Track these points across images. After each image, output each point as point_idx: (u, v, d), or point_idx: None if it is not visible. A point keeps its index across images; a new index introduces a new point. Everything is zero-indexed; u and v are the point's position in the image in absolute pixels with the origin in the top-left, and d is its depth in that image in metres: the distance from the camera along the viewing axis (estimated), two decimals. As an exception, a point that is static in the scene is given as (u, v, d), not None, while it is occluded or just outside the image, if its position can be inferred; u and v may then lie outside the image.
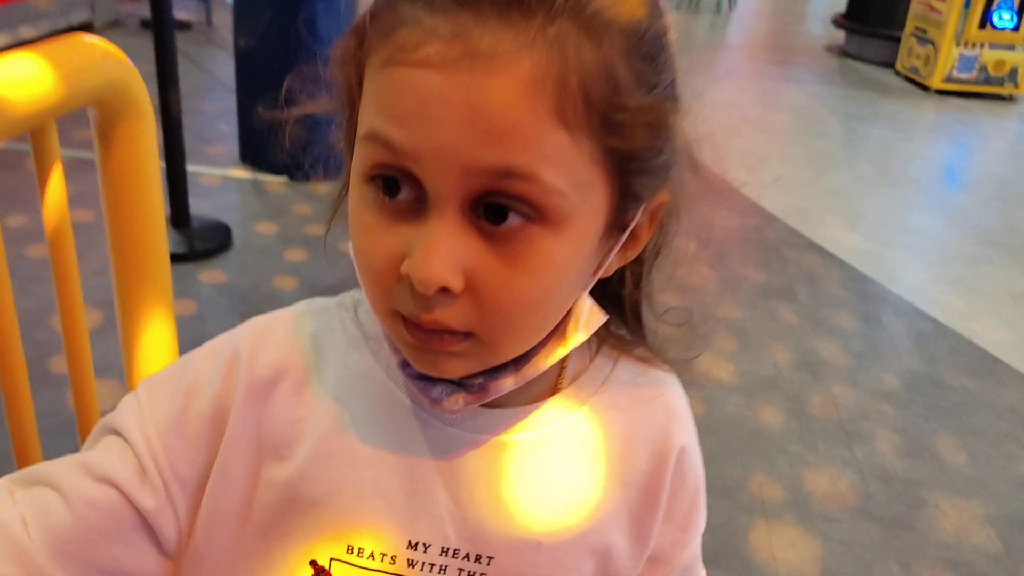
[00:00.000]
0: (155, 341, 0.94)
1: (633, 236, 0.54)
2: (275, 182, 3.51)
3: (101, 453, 0.56)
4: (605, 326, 0.58)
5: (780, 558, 1.94)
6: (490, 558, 0.56)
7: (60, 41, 0.79)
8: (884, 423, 2.46)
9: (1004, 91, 6.17)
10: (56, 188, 0.80)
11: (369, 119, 0.46)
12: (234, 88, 3.80)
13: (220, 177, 3.64)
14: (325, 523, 0.56)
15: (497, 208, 0.45)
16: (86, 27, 5.45)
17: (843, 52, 7.32)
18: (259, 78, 3.42)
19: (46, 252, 0.84)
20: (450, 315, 0.46)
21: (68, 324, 0.90)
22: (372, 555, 0.56)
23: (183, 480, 0.56)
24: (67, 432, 0.95)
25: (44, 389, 1.81)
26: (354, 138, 0.49)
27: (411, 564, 0.56)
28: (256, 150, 3.65)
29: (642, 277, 0.60)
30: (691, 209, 0.56)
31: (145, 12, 3.94)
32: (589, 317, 0.55)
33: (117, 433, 0.57)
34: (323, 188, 0.58)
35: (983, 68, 6.05)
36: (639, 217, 0.53)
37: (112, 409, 0.59)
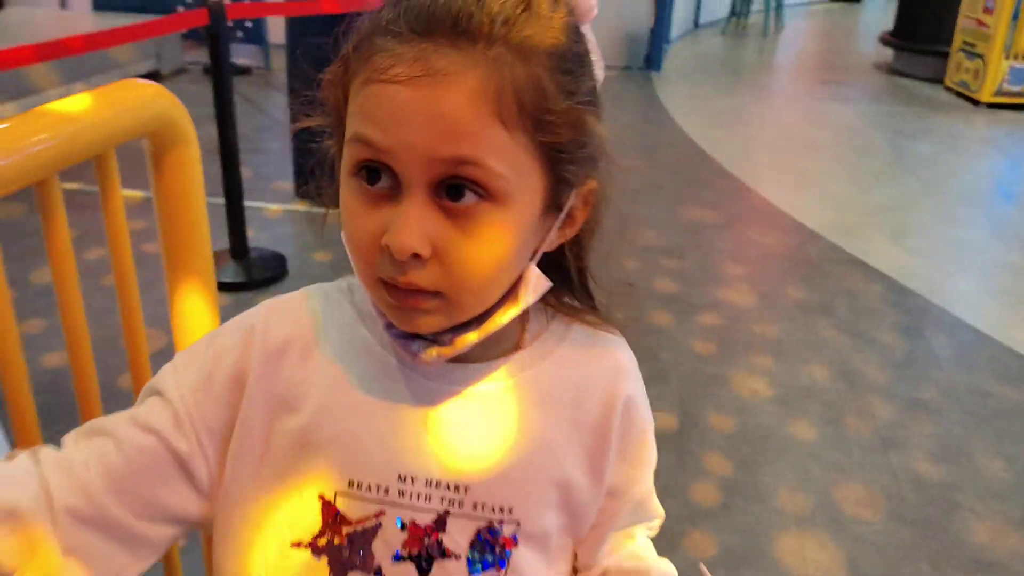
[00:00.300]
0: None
1: (570, 217, 0.66)
2: (329, 214, 3.70)
3: (145, 409, 0.69)
4: (558, 297, 0.70)
5: (811, 559, 1.99)
6: (466, 488, 0.68)
7: (119, 84, 0.94)
8: (920, 430, 2.49)
9: (1058, 102, 6.08)
10: (117, 209, 0.94)
11: (354, 126, 0.59)
12: (289, 127, 4.02)
13: (280, 211, 3.85)
14: (330, 463, 0.68)
15: (456, 188, 0.57)
16: (153, 75, 5.80)
17: (892, 70, 7.29)
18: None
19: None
20: (421, 277, 0.59)
21: (132, 344, 1.04)
22: (369, 488, 0.67)
23: (211, 430, 0.68)
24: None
25: (113, 402, 1.98)
26: (343, 143, 0.62)
27: (401, 494, 0.67)
28: (310, 184, 3.84)
29: (582, 251, 0.71)
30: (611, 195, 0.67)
31: (207, 59, 4.20)
32: (537, 283, 0.67)
33: (158, 393, 0.70)
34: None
35: (1035, 79, 5.99)
36: (572, 200, 0.64)
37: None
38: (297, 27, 3.78)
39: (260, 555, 0.70)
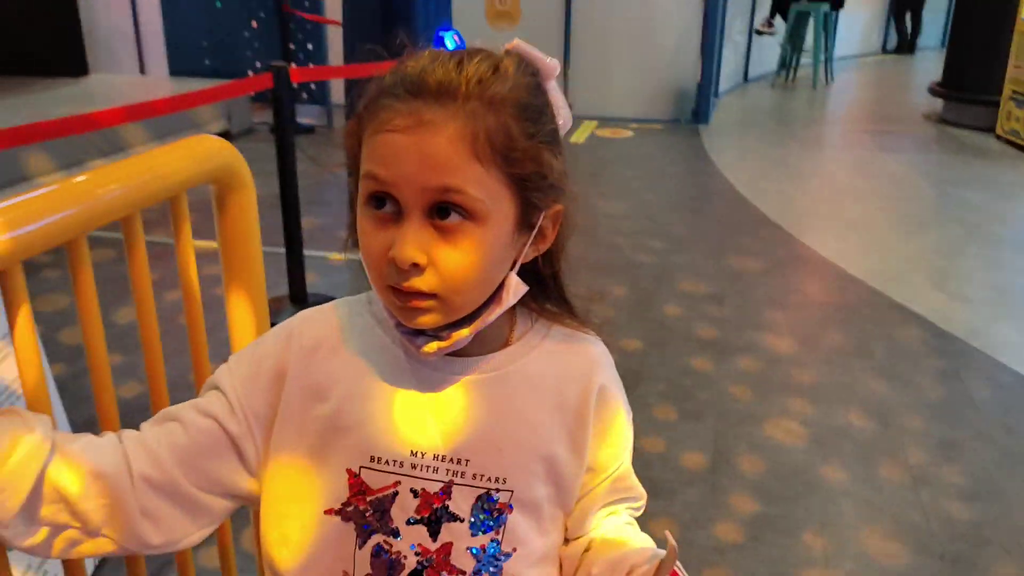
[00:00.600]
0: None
1: (541, 234, 0.81)
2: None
3: (205, 399, 0.85)
4: (540, 303, 0.84)
5: (835, 590, 2.04)
6: (467, 460, 0.82)
7: (190, 139, 1.12)
8: (953, 468, 2.52)
9: (1113, 149, 6.02)
10: (186, 243, 1.12)
11: (366, 166, 0.75)
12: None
13: (342, 258, 4.07)
14: (354, 443, 0.82)
15: (444, 211, 0.73)
16: (224, 135, 6.17)
17: (941, 119, 7.30)
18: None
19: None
20: (420, 282, 0.74)
21: (198, 377, 1.19)
22: (387, 462, 0.82)
23: (258, 416, 0.84)
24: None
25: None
26: (358, 180, 0.78)
27: (413, 467, 0.82)
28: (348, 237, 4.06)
29: (555, 263, 0.86)
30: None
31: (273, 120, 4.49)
32: (517, 288, 0.81)
33: (215, 387, 0.86)
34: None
35: (1088, 127, 5.95)
36: (541, 221, 0.79)
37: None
38: (356, 89, 4.04)
39: (298, 522, 0.85)
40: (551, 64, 0.80)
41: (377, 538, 0.83)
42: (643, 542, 0.88)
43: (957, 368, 3.14)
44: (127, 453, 0.81)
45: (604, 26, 7.49)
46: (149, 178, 1.02)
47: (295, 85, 6.73)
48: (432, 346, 0.79)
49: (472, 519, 0.83)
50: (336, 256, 4.03)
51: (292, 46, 7.28)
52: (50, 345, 2.86)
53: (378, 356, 0.84)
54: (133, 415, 0.88)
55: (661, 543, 0.89)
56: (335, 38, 7.10)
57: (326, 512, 0.83)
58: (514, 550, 0.84)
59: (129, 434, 0.83)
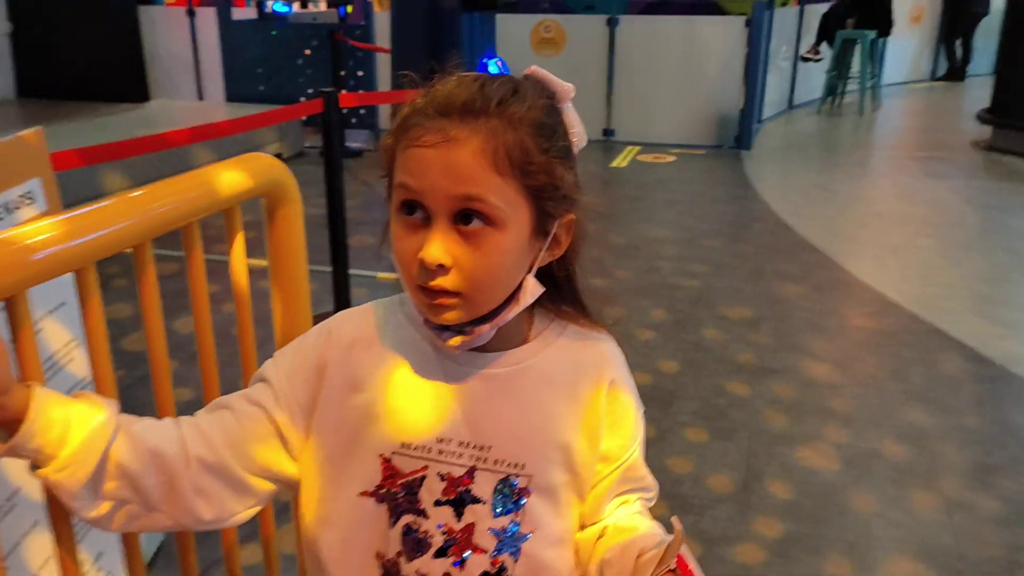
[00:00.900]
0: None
1: (555, 240, 0.88)
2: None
3: (253, 389, 0.95)
4: (556, 305, 0.92)
5: (863, 608, 2.06)
6: (489, 447, 0.90)
7: (243, 156, 1.23)
8: (988, 493, 2.51)
9: None
10: (239, 251, 1.22)
11: (398, 177, 0.84)
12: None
13: (391, 277, 4.19)
14: (387, 430, 0.90)
15: (467, 217, 0.81)
16: (276, 156, 6.36)
17: (989, 146, 7.21)
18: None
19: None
20: (446, 281, 0.82)
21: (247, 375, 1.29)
22: (417, 448, 0.90)
23: (301, 405, 0.93)
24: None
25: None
26: (391, 189, 0.86)
27: (440, 453, 0.90)
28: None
29: (569, 267, 0.93)
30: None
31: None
32: (533, 289, 0.89)
33: (262, 379, 0.95)
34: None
35: None
36: (556, 228, 0.87)
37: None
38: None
39: (335, 504, 0.93)
40: (566, 88, 0.88)
41: (407, 518, 0.90)
42: (652, 529, 0.94)
43: (995, 394, 3.12)
44: (183, 436, 0.90)
45: (647, 52, 7.59)
46: (206, 191, 1.12)
47: (344, 110, 6.94)
48: (456, 340, 0.87)
49: (493, 501, 0.90)
50: (384, 275, 4.15)
51: (343, 73, 7.52)
52: (113, 351, 3.01)
53: (409, 351, 0.93)
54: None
55: (670, 529, 0.96)
56: (384, 65, 7.30)
57: (361, 494, 0.91)
58: (532, 532, 0.92)
59: (185, 419, 0.93)
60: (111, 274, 3.97)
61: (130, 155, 2.83)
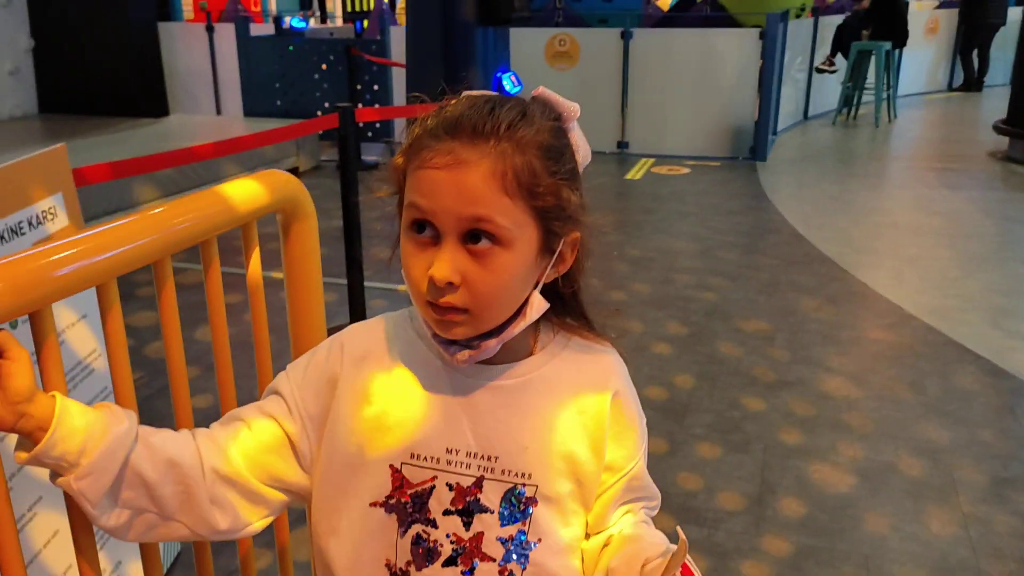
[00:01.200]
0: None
1: (561, 258, 0.90)
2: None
3: (266, 402, 0.97)
4: (561, 318, 0.94)
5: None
6: (496, 457, 0.91)
7: (260, 173, 1.25)
8: (1006, 506, 2.50)
9: None
10: (255, 266, 1.24)
11: (409, 196, 0.86)
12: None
13: (405, 290, 4.23)
14: (397, 441, 0.92)
15: (476, 237, 0.83)
16: (293, 171, 6.43)
17: (1007, 157, 7.18)
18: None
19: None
20: (455, 298, 0.84)
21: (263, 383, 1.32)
22: (426, 458, 0.91)
23: (312, 417, 0.95)
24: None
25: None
26: (401, 209, 0.88)
27: (449, 463, 0.91)
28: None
29: (574, 283, 0.95)
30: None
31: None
32: (539, 305, 0.90)
33: (275, 392, 0.97)
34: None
35: None
36: (561, 246, 0.89)
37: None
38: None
39: (346, 514, 0.95)
40: (572, 108, 0.90)
41: (416, 528, 0.92)
42: (657, 538, 0.95)
43: (1013, 405, 3.10)
44: (199, 447, 0.92)
45: (662, 65, 7.61)
46: (223, 208, 1.15)
47: (360, 124, 7.00)
48: (464, 354, 0.89)
49: (501, 510, 0.92)
50: (404, 288, 4.18)
51: (359, 87, 7.59)
52: (138, 358, 3.10)
53: (418, 364, 0.94)
54: (204, 423, 0.99)
55: (674, 539, 0.97)
56: (399, 79, 7.36)
57: (371, 505, 0.93)
58: (539, 540, 0.93)
59: (201, 431, 0.95)
60: (138, 282, 4.05)
61: (158, 168, 3.00)
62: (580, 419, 0.94)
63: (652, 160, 7.55)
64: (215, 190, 1.17)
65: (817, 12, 9.60)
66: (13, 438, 0.83)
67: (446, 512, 0.92)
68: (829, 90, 9.55)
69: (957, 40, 11.73)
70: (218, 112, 8.37)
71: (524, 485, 0.92)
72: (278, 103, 7.92)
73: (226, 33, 8.14)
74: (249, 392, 1.09)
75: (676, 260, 4.77)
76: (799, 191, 6.54)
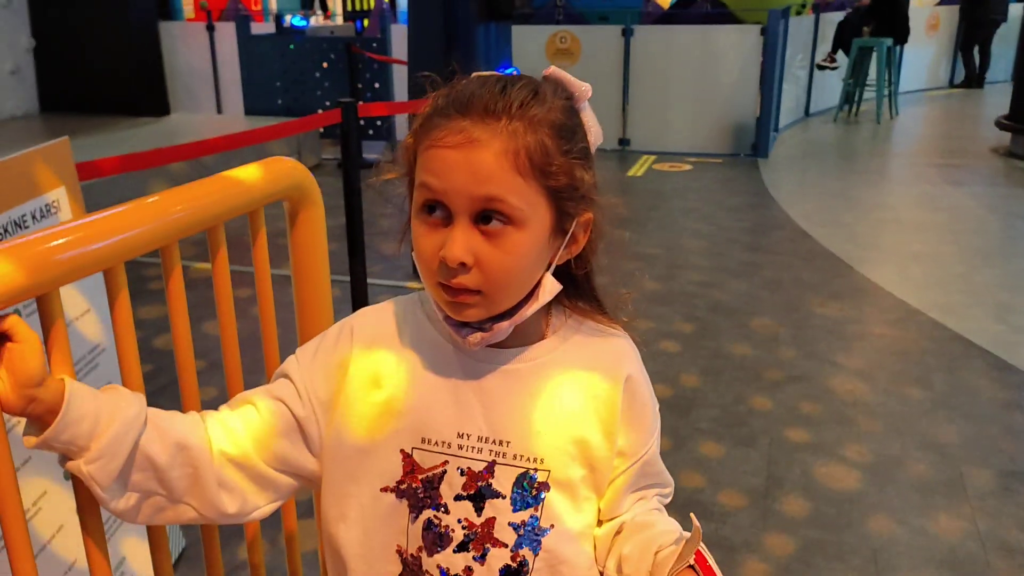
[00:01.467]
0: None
1: (573, 239, 0.89)
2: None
3: (276, 385, 0.95)
4: (573, 302, 0.92)
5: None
6: (508, 442, 0.90)
7: (267, 160, 1.24)
8: (1014, 499, 2.48)
9: None
10: (262, 252, 1.23)
11: (420, 176, 0.85)
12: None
13: (412, 285, 4.22)
14: (407, 425, 0.91)
15: (488, 217, 0.82)
16: (294, 171, 6.42)
17: (1009, 153, 7.17)
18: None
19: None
20: (467, 280, 0.83)
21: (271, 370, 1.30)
22: (436, 443, 0.90)
23: (321, 401, 0.93)
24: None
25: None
26: (412, 189, 0.87)
27: (460, 448, 0.90)
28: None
29: (587, 265, 0.94)
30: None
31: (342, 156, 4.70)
32: (551, 287, 0.89)
33: (284, 375, 0.96)
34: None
35: None
36: (574, 227, 0.87)
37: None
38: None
39: (356, 500, 0.93)
40: (584, 88, 0.89)
41: (428, 513, 0.91)
42: (670, 525, 0.94)
43: (1019, 400, 3.09)
44: (208, 430, 0.91)
45: (663, 62, 7.60)
46: (231, 194, 1.13)
47: (362, 121, 6.98)
48: (476, 337, 0.87)
49: (513, 496, 0.90)
50: (413, 285, 4.17)
51: (360, 85, 7.58)
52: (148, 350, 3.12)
53: (428, 348, 0.93)
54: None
55: (688, 527, 0.96)
56: (400, 77, 7.35)
57: (382, 490, 0.92)
58: (552, 526, 0.92)
59: (209, 414, 0.94)
60: (149, 276, 4.05)
61: (164, 163, 3.04)
62: (592, 404, 0.93)
63: (654, 157, 7.54)
64: (222, 176, 1.15)
65: (818, 9, 9.58)
66: (21, 425, 0.82)
67: (457, 497, 0.91)
68: (830, 87, 9.54)
69: (958, 36, 11.72)
70: (219, 111, 8.37)
71: (536, 470, 0.91)
72: (279, 102, 7.91)
73: (227, 32, 8.13)
74: (256, 383, 1.08)
75: (681, 257, 4.76)
76: (801, 188, 6.53)
